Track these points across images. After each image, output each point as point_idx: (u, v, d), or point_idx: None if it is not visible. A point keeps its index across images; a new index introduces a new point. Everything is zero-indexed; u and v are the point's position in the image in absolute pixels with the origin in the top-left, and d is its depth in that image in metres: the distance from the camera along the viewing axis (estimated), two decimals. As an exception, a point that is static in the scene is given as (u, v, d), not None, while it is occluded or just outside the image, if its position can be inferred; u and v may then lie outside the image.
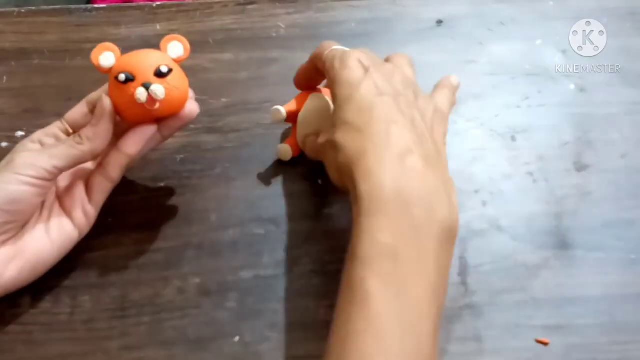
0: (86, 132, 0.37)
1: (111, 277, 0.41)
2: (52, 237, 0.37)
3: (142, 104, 0.36)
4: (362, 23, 0.55)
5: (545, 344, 0.39)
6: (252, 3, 0.56)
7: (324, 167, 0.39)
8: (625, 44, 0.54)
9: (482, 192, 0.45)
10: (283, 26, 0.55)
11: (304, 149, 0.44)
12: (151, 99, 0.36)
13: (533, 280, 0.41)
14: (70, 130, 0.40)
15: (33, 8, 0.55)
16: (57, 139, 0.39)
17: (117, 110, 0.38)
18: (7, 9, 0.55)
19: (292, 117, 0.43)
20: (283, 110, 0.43)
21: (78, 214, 0.38)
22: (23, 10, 0.55)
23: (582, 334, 0.39)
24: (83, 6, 0.56)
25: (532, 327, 0.39)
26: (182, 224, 0.43)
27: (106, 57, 0.37)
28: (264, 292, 0.40)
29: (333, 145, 0.36)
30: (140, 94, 0.36)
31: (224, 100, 0.50)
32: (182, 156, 0.46)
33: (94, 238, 0.40)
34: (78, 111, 0.40)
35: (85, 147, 0.37)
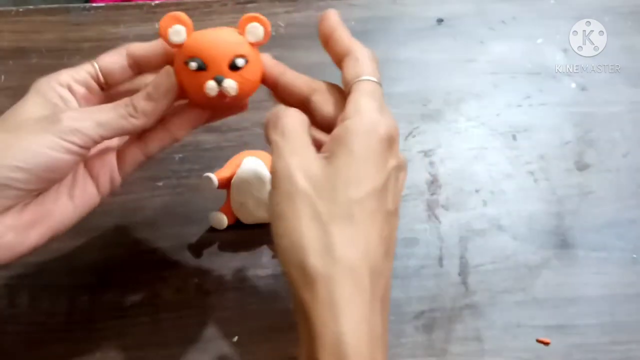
0: (143, 105, 0.33)
1: (110, 277, 0.40)
2: (75, 201, 0.34)
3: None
4: (362, 22, 0.55)
5: (546, 343, 0.38)
6: (251, 2, 0.56)
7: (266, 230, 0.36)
8: (626, 42, 0.54)
9: (483, 192, 0.45)
10: (282, 25, 0.54)
11: (239, 216, 0.41)
12: (221, 94, 0.33)
13: (534, 280, 0.41)
14: (102, 79, 0.35)
15: (31, 7, 0.55)
16: (88, 88, 0.34)
17: (180, 88, 0.34)
18: (5, 8, 0.55)
19: (225, 183, 0.40)
20: (214, 178, 0.40)
21: (104, 180, 0.35)
22: (21, 9, 0.55)
23: (584, 334, 0.39)
24: (81, 5, 0.55)
25: (533, 327, 0.39)
26: (181, 223, 0.43)
27: (177, 31, 0.33)
28: (263, 292, 0.40)
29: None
30: (211, 88, 0.33)
31: (223, 99, 0.49)
32: (181, 155, 0.46)
33: (92, 237, 0.40)
34: (116, 61, 0.35)
35: (139, 122, 0.33)
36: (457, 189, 0.45)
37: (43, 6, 0.55)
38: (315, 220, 0.28)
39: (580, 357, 0.38)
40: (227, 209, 0.41)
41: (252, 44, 0.34)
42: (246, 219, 0.41)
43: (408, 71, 0.52)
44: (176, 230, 0.42)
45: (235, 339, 0.38)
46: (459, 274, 0.41)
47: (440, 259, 0.42)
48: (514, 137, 0.48)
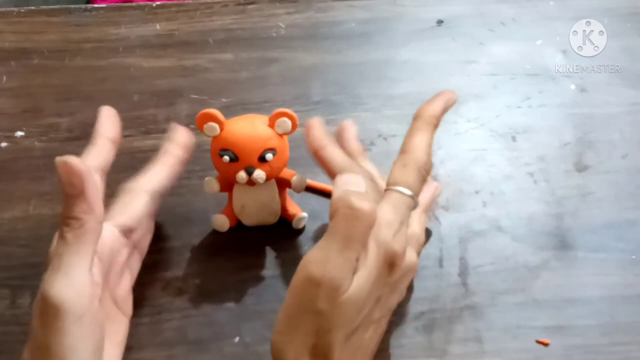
0: (76, 211, 0.29)
1: (111, 277, 0.40)
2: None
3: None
4: (362, 23, 0.55)
5: (545, 344, 0.38)
6: (252, 3, 0.56)
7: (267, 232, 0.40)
8: (626, 44, 0.54)
9: (483, 193, 0.45)
10: (283, 26, 0.55)
11: (241, 219, 0.42)
12: (251, 181, 0.37)
13: (533, 281, 0.41)
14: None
15: (32, 8, 0.55)
16: None
17: (215, 167, 0.39)
18: (7, 9, 0.55)
19: (227, 186, 0.40)
20: (216, 180, 0.40)
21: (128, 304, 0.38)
22: (22, 10, 0.55)
23: (583, 335, 0.39)
24: (82, 6, 0.55)
25: (533, 328, 0.39)
26: (182, 224, 0.43)
27: (211, 127, 0.37)
28: (264, 293, 0.40)
29: None
30: (242, 178, 0.37)
31: (224, 100, 0.49)
32: (182, 156, 0.46)
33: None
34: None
35: (90, 223, 0.29)
36: (457, 190, 0.45)
37: (44, 7, 0.55)
38: None
39: (579, 358, 0.38)
40: (229, 212, 0.41)
41: (280, 135, 0.37)
42: (248, 221, 0.42)
43: (408, 72, 0.52)
44: (178, 231, 0.43)
45: (237, 339, 0.38)
46: (459, 275, 0.41)
47: (440, 260, 0.42)
48: (514, 139, 0.48)
